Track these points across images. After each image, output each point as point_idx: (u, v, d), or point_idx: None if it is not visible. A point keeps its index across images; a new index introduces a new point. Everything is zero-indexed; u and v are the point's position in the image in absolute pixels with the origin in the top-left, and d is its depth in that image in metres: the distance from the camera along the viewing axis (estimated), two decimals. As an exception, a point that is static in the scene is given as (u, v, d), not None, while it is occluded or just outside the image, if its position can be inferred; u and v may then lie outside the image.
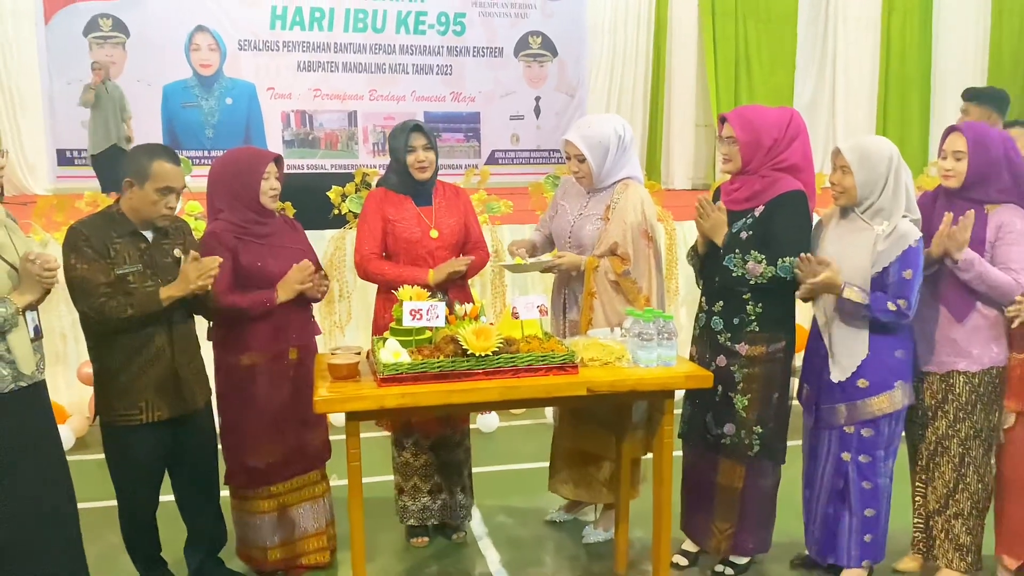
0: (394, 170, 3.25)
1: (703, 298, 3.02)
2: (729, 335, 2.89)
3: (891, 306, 2.65)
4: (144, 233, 2.68)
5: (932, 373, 2.87)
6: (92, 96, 8.07)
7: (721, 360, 2.91)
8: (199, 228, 4.75)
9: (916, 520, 3.03)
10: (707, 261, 2.97)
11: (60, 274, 2.43)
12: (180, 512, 2.98)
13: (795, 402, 3.06)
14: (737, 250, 2.81)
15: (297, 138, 10.21)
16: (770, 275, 2.76)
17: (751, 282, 2.79)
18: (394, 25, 10.25)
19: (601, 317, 3.07)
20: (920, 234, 2.70)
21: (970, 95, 4.64)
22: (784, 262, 2.75)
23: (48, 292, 2.38)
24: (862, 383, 2.78)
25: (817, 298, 2.83)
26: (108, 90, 8.09)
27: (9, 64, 9.06)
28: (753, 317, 2.86)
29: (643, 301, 3.05)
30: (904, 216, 2.71)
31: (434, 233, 3.19)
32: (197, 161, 9.40)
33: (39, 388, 2.39)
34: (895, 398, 2.78)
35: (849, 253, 2.73)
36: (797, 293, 2.83)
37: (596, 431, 3.19)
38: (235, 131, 10.01)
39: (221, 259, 2.68)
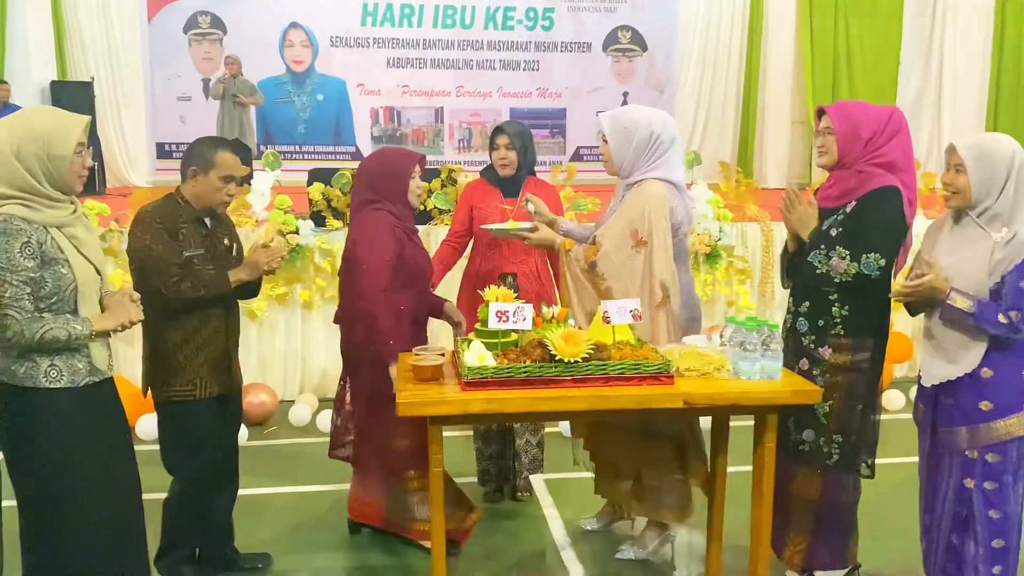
0: (490, 164, 3.58)
1: (791, 299, 2.89)
2: (813, 337, 2.75)
3: (1002, 318, 2.41)
4: (205, 220, 2.83)
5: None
6: (221, 89, 8.37)
7: (804, 364, 2.78)
8: (289, 222, 4.80)
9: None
10: (795, 259, 2.83)
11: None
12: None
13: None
14: (823, 246, 2.67)
15: (385, 134, 10.30)
16: (854, 272, 2.60)
17: (835, 280, 2.64)
18: (482, 21, 10.23)
19: (575, 303, 2.99)
20: None
21: None
22: (869, 259, 2.58)
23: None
24: (985, 406, 2.53)
25: (926, 309, 2.60)
26: (237, 84, 8.31)
27: (114, 61, 9.44)
28: (838, 320, 2.70)
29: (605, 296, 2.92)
30: None
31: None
32: (289, 156, 9.58)
33: (110, 383, 2.42)
34: (1024, 421, 2.52)
35: (964, 264, 2.49)
36: (892, 295, 2.60)
37: (616, 439, 3.07)
38: (326, 127, 10.17)
39: (289, 246, 2.81)
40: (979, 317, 2.42)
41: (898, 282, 2.57)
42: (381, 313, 2.86)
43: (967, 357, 2.52)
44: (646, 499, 3.11)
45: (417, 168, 3.05)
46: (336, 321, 3.18)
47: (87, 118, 2.29)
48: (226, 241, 2.89)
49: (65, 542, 2.32)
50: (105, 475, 2.36)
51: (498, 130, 3.50)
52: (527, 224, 3.12)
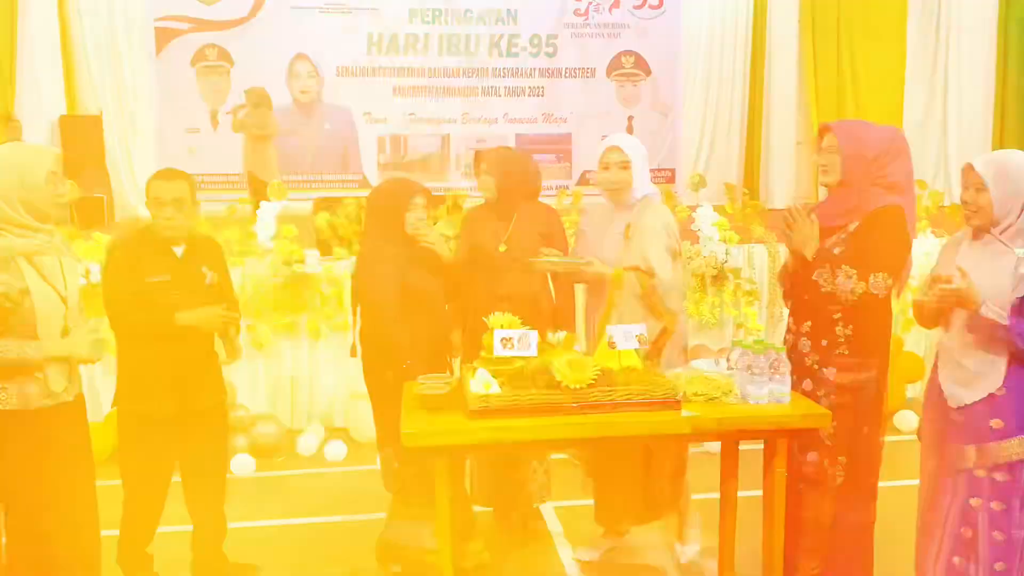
0: None
1: (791, 319, 2.87)
2: (817, 357, 2.73)
3: None
4: (175, 249, 2.90)
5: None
6: (238, 124, 8.40)
7: (807, 384, 2.75)
8: (295, 252, 4.81)
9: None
10: (796, 278, 2.81)
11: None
12: (187, 504, 3.07)
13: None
14: (827, 265, 2.65)
15: (392, 162, 10.35)
16: (861, 291, 2.58)
17: (841, 299, 2.62)
18: (487, 49, 10.30)
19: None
20: None
21: None
22: (877, 278, 2.57)
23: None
24: (996, 424, 2.49)
25: (946, 319, 2.56)
26: (250, 116, 8.30)
27: (123, 95, 9.52)
28: (843, 339, 2.68)
29: (669, 319, 2.97)
30: None
31: (502, 247, 3.27)
32: (297, 186, 9.62)
33: (70, 408, 2.45)
34: (1036, 442, 2.48)
35: (986, 279, 2.46)
36: (926, 300, 2.53)
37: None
38: (333, 156, 10.22)
39: (240, 318, 2.95)
40: (1012, 329, 2.39)
41: (922, 289, 2.52)
42: (394, 342, 2.90)
43: (988, 378, 2.48)
44: (653, 505, 3.16)
45: (419, 199, 3.04)
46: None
47: (57, 150, 2.43)
48: (205, 271, 2.93)
49: (17, 560, 2.35)
50: (58, 499, 2.38)
51: (477, 155, 3.61)
52: (578, 260, 3.08)
